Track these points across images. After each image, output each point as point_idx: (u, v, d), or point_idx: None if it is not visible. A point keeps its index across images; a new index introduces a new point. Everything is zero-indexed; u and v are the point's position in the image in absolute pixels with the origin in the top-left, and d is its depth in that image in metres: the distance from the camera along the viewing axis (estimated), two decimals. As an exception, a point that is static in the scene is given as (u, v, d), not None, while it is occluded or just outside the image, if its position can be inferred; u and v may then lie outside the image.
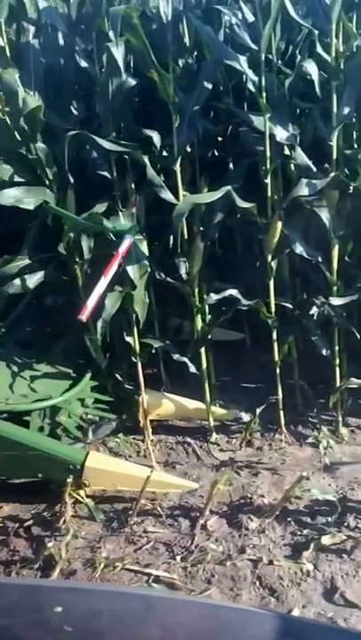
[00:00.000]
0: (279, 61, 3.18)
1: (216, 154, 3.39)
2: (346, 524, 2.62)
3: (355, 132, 3.15)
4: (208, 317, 3.21)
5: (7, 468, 2.81)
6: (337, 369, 3.17)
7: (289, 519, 2.68)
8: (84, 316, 2.70)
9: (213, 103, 3.01)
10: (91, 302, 2.70)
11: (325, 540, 2.54)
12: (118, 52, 2.61)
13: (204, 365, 3.20)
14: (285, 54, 3.28)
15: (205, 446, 3.26)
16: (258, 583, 2.40)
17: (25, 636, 1.47)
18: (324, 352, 3.11)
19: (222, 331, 3.54)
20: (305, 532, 2.61)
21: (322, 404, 3.32)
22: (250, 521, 2.68)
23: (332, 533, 2.56)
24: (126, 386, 3.34)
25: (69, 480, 2.66)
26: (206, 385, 3.23)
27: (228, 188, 2.63)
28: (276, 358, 3.13)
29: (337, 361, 3.15)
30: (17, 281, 3.06)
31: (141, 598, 1.64)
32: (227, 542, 2.59)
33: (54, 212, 2.96)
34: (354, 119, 3.09)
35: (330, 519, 2.63)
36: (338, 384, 3.16)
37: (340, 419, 3.26)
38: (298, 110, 3.17)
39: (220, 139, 3.37)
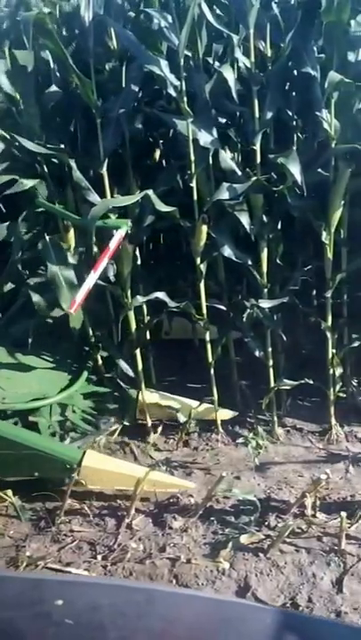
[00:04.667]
0: (217, 63, 3.21)
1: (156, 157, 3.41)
2: (267, 523, 2.66)
3: (296, 135, 3.18)
4: (147, 319, 3.25)
5: (3, 467, 2.81)
6: (270, 370, 3.19)
7: (213, 518, 2.71)
8: (72, 310, 2.75)
9: (142, 108, 3.02)
10: (79, 296, 2.74)
11: (244, 539, 2.57)
12: (30, 58, 2.64)
13: (140, 367, 3.22)
14: (223, 57, 3.29)
15: (143, 446, 3.29)
16: (174, 581, 2.43)
17: (26, 629, 1.50)
18: (257, 353, 3.14)
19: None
20: (226, 531, 2.64)
21: (260, 404, 3.34)
22: (174, 520, 2.71)
23: (252, 532, 2.60)
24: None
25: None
26: (143, 385, 3.25)
27: (147, 191, 2.64)
28: (210, 359, 3.16)
29: (270, 362, 3.18)
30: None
31: (142, 592, 1.66)
32: (149, 541, 2.63)
33: (46, 207, 2.97)
34: (295, 122, 3.14)
35: (252, 518, 2.66)
36: (272, 385, 3.19)
37: (276, 419, 3.29)
38: (238, 114, 3.20)
39: (161, 141, 3.40)
